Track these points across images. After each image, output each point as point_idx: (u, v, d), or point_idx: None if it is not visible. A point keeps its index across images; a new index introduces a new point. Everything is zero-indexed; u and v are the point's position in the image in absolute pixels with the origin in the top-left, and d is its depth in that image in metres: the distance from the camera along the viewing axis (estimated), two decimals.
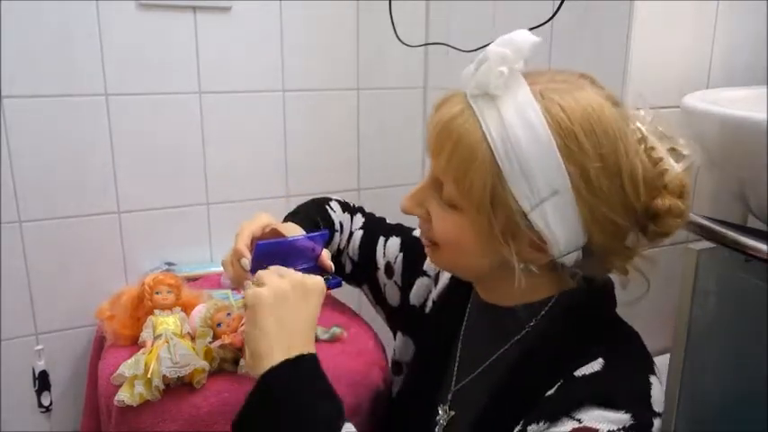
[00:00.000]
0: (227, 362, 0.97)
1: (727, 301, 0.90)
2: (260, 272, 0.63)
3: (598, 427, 0.53)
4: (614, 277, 0.65)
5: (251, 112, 1.36)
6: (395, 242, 0.87)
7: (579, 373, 0.57)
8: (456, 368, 0.73)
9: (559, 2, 0.98)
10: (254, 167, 1.39)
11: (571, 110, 0.52)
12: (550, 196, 0.52)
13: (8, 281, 1.22)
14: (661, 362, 1.01)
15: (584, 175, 0.52)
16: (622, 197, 0.53)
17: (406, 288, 0.85)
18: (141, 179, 1.29)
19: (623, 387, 0.56)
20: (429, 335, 0.79)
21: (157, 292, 1.07)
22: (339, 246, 0.93)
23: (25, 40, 1.15)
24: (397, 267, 0.86)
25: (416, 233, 0.85)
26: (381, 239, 0.88)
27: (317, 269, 0.92)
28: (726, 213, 0.97)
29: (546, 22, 1.01)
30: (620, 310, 0.66)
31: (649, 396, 0.56)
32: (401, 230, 0.89)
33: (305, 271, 1.12)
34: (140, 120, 1.27)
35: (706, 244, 0.83)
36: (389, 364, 0.94)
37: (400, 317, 0.86)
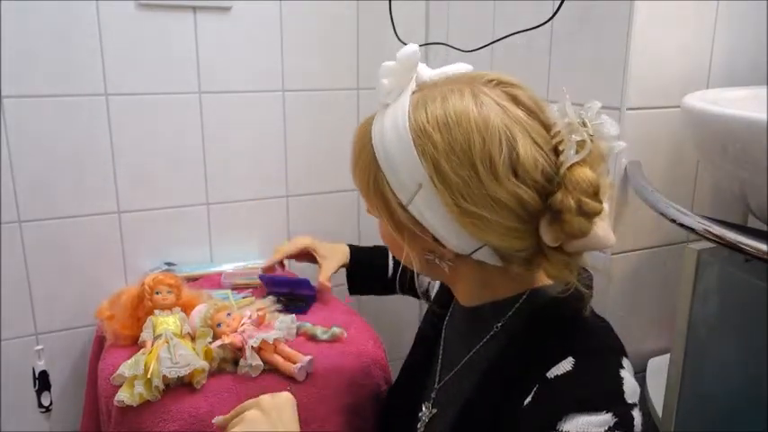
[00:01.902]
0: (227, 362, 0.97)
1: (727, 301, 0.90)
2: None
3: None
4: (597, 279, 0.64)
5: (251, 112, 1.36)
6: None
7: (552, 374, 0.58)
8: (439, 366, 0.75)
9: (559, 2, 0.98)
10: (254, 167, 1.39)
11: (433, 111, 0.56)
12: (418, 189, 0.56)
13: (8, 281, 1.22)
14: (661, 362, 1.01)
15: (436, 166, 0.55)
16: (481, 189, 0.54)
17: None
18: (141, 179, 1.30)
19: (597, 388, 0.57)
20: (419, 332, 0.81)
21: (157, 292, 1.07)
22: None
23: (25, 40, 1.15)
24: None
25: None
26: None
27: (314, 297, 1.20)
28: (726, 213, 0.97)
29: (546, 22, 1.01)
30: (616, 314, 0.65)
31: (623, 392, 0.57)
32: None
33: (306, 297, 1.22)
34: (140, 120, 1.27)
35: (706, 244, 0.83)
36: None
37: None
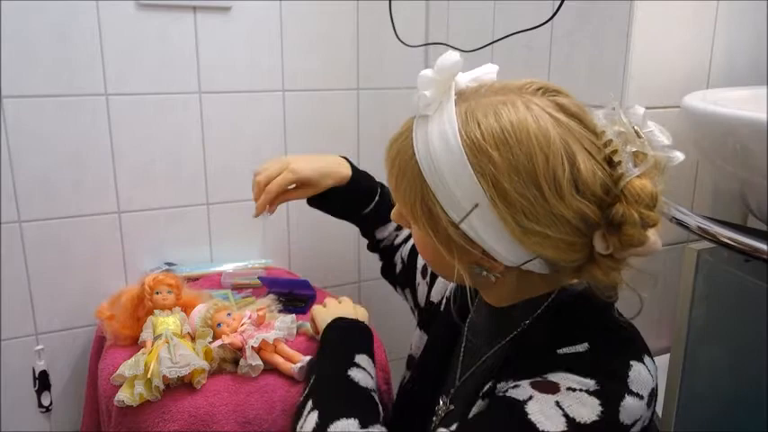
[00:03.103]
0: (227, 362, 0.97)
1: (727, 301, 0.90)
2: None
3: (558, 382, 0.55)
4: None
5: (251, 112, 1.36)
6: None
7: (562, 351, 0.58)
8: (460, 364, 0.74)
9: (559, 2, 0.98)
10: (254, 167, 1.39)
11: (488, 126, 0.53)
12: (473, 209, 0.54)
13: (8, 281, 1.22)
14: (661, 362, 1.01)
15: (497, 187, 0.53)
16: (545, 207, 0.53)
17: (431, 286, 0.88)
18: (141, 179, 1.30)
19: (599, 365, 0.57)
20: (438, 329, 0.81)
21: (157, 292, 1.07)
22: (394, 242, 1.01)
23: (25, 40, 1.15)
24: (430, 268, 0.89)
25: None
26: None
27: (314, 297, 1.21)
28: (726, 213, 0.97)
29: (546, 22, 1.01)
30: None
31: (626, 375, 0.56)
32: None
33: (306, 297, 1.23)
34: (140, 120, 1.27)
35: (706, 244, 0.83)
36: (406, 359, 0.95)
37: (424, 315, 0.89)
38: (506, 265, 0.59)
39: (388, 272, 1.04)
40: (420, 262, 0.94)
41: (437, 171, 0.55)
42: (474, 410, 0.63)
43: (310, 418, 0.67)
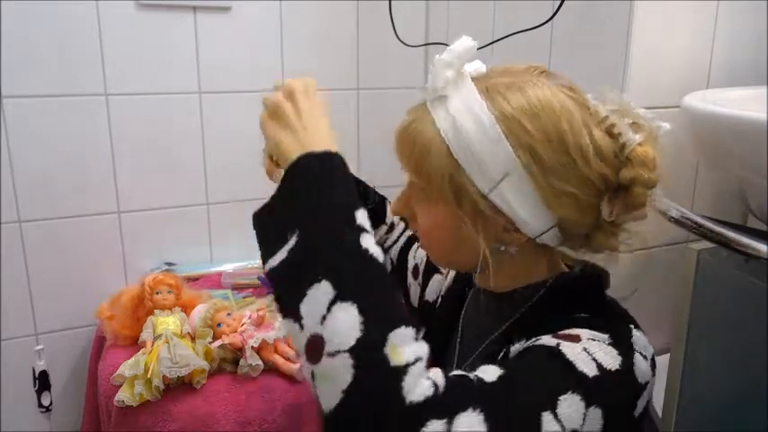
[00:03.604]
0: (227, 362, 0.97)
1: (727, 301, 0.90)
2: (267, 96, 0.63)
3: (579, 333, 0.57)
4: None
5: (251, 112, 1.36)
6: None
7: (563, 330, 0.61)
8: (456, 356, 0.75)
9: (559, 2, 0.98)
10: (254, 167, 1.38)
11: (515, 100, 0.58)
12: (504, 178, 0.58)
13: (8, 281, 1.22)
14: (661, 362, 1.01)
15: (533, 155, 0.57)
16: (575, 171, 0.58)
17: (424, 287, 0.87)
18: (141, 179, 1.29)
19: (607, 326, 0.60)
20: (434, 326, 0.81)
21: (157, 292, 1.07)
22: (384, 244, 0.96)
23: (25, 40, 1.15)
24: (422, 268, 0.88)
25: None
26: (416, 244, 0.91)
27: None
28: (726, 213, 0.97)
29: (546, 22, 1.00)
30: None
31: (630, 336, 0.59)
32: None
33: None
34: (140, 120, 1.27)
35: (706, 244, 0.83)
36: None
37: (417, 315, 0.88)
38: (528, 235, 0.61)
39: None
40: (411, 263, 0.92)
41: (466, 145, 0.58)
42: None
43: (345, 314, 0.47)
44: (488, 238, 0.61)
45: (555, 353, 0.55)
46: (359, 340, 0.46)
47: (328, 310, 0.48)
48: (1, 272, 1.21)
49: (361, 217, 0.53)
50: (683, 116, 0.85)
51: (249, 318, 1.00)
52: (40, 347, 1.27)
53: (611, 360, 0.55)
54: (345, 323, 0.47)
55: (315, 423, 0.91)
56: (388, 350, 0.46)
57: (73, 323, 1.30)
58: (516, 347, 0.60)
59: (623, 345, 0.58)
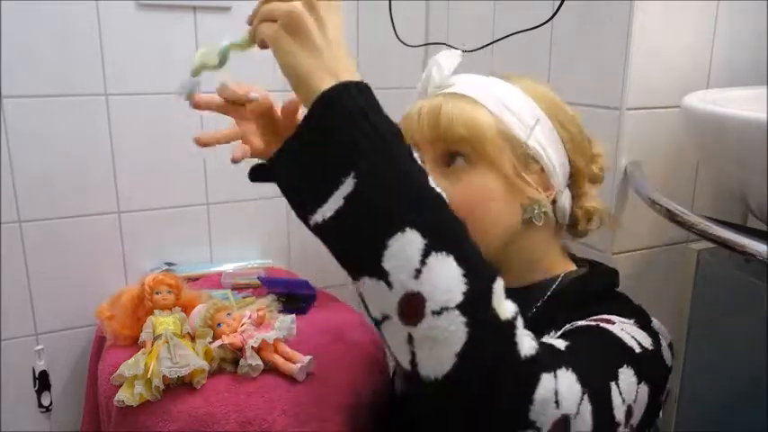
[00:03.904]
0: (227, 362, 0.97)
1: (727, 300, 0.90)
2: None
3: (609, 317, 0.58)
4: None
5: None
6: None
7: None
8: None
9: (559, 2, 0.98)
10: None
11: (520, 82, 0.68)
12: (536, 123, 0.65)
13: (8, 281, 1.22)
14: None
15: (549, 107, 0.67)
16: (576, 124, 0.70)
17: None
18: (141, 179, 1.29)
19: (631, 315, 0.62)
20: None
21: (157, 293, 1.07)
22: None
23: (25, 40, 1.15)
24: None
25: None
26: None
27: (314, 297, 1.15)
28: (726, 213, 0.97)
29: (546, 22, 1.00)
30: None
31: (650, 321, 0.62)
32: None
33: (306, 296, 1.19)
34: (140, 120, 1.27)
35: (706, 244, 0.83)
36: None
37: None
38: (555, 187, 0.67)
39: None
40: None
41: (500, 102, 0.65)
42: None
43: (443, 265, 0.42)
44: (524, 199, 0.65)
45: (602, 330, 0.55)
46: (466, 295, 0.41)
47: (422, 263, 0.41)
48: (1, 272, 1.21)
49: (417, 156, 0.47)
50: (682, 116, 0.85)
51: (249, 318, 1.00)
52: (40, 347, 1.27)
53: (645, 340, 0.57)
54: (447, 276, 0.41)
55: (315, 423, 0.91)
56: (495, 303, 0.43)
57: (73, 323, 1.30)
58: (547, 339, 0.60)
59: (649, 329, 0.60)
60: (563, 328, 0.59)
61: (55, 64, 1.18)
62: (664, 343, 0.60)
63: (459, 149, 0.64)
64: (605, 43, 0.94)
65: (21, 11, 1.13)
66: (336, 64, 0.48)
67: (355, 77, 0.48)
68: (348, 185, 0.43)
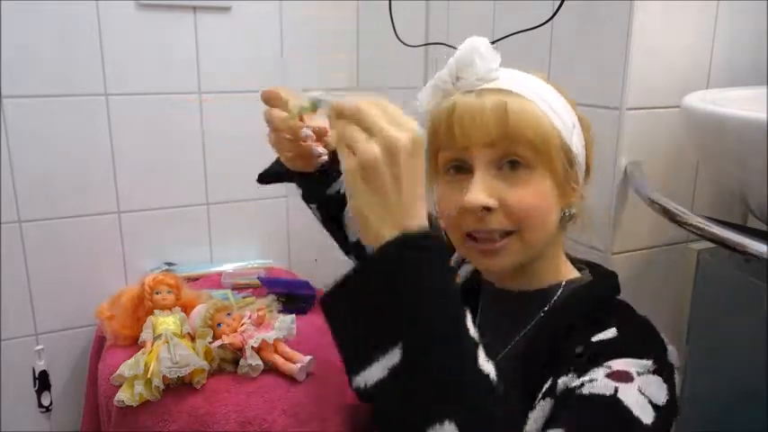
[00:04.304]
0: (227, 362, 0.97)
1: (727, 300, 0.90)
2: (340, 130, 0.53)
3: (629, 370, 0.56)
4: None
5: (251, 112, 1.36)
6: None
7: (596, 338, 0.61)
8: None
9: (559, 2, 0.98)
10: (254, 167, 1.39)
11: (536, 74, 0.69)
12: (573, 128, 0.65)
13: (8, 281, 1.22)
14: None
15: (574, 108, 0.68)
16: (590, 132, 0.70)
17: None
18: (141, 179, 1.30)
19: (645, 344, 0.61)
20: None
21: (157, 293, 1.07)
22: None
23: (25, 40, 1.15)
24: None
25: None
26: None
27: (314, 297, 1.15)
28: (726, 213, 0.97)
29: (546, 22, 1.00)
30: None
31: (665, 351, 0.61)
32: None
33: (306, 297, 1.20)
34: (140, 120, 1.27)
35: (706, 244, 0.83)
36: None
37: None
38: (581, 187, 0.68)
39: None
40: None
41: (546, 101, 0.64)
42: (539, 410, 0.60)
43: None
44: (563, 202, 0.66)
45: (613, 403, 0.54)
46: None
47: None
48: (1, 272, 1.21)
49: (470, 322, 0.47)
50: (683, 116, 0.85)
51: (249, 318, 1.00)
52: (40, 347, 1.27)
53: (661, 393, 0.56)
54: None
55: (315, 422, 0.91)
56: None
57: (73, 323, 1.30)
58: (565, 381, 0.58)
59: (665, 369, 0.58)
60: (579, 380, 0.57)
61: (55, 64, 1.18)
62: (677, 379, 0.59)
63: (520, 152, 0.61)
64: (605, 43, 0.94)
65: (21, 11, 1.13)
66: (403, 214, 0.47)
67: (423, 225, 0.48)
68: (393, 357, 0.44)
